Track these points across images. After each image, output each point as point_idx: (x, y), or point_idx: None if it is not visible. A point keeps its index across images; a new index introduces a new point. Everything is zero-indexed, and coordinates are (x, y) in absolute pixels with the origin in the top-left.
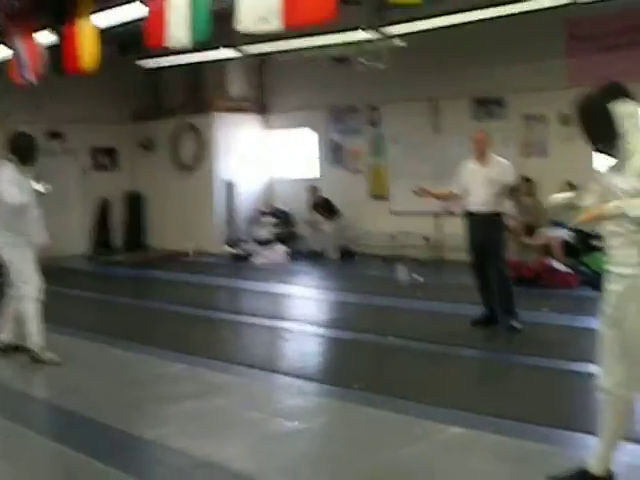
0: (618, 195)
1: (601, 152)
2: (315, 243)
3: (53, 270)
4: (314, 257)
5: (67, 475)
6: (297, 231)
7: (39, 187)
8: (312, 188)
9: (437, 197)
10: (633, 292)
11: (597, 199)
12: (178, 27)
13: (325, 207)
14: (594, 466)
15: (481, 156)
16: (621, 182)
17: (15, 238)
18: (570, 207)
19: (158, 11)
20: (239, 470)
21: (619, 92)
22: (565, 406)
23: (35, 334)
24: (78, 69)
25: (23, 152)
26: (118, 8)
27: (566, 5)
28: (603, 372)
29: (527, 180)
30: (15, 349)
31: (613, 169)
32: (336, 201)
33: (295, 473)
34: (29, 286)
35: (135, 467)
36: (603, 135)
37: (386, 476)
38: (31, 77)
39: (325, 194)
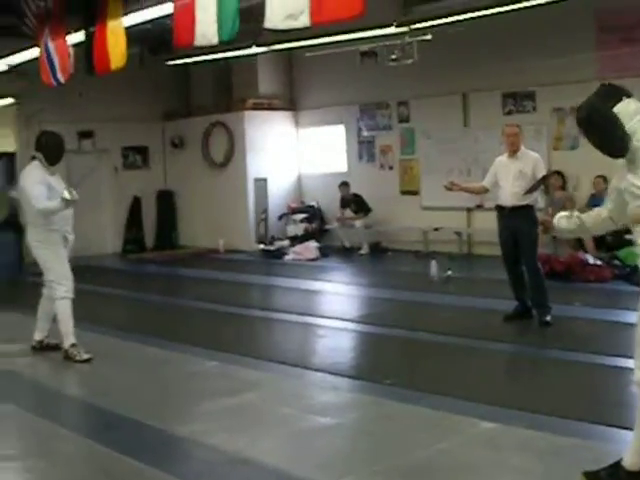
0: (637, 194)
1: (617, 157)
2: (346, 239)
3: (85, 268)
4: (345, 253)
5: (102, 473)
6: (328, 227)
7: (66, 194)
8: (343, 184)
9: (468, 191)
10: None
11: (615, 204)
12: (206, 26)
13: (356, 203)
14: (629, 461)
15: (513, 150)
16: (638, 181)
17: (46, 235)
18: (579, 229)
19: (186, 10)
20: (273, 465)
21: (617, 93)
22: (598, 400)
23: (69, 334)
24: (108, 69)
25: (51, 151)
26: (149, 9)
27: None
28: (638, 366)
29: (558, 173)
30: (50, 348)
31: (626, 169)
32: (367, 197)
33: (329, 469)
34: (62, 286)
35: (169, 464)
36: (615, 140)
37: (419, 471)
38: (62, 78)
39: (354, 190)
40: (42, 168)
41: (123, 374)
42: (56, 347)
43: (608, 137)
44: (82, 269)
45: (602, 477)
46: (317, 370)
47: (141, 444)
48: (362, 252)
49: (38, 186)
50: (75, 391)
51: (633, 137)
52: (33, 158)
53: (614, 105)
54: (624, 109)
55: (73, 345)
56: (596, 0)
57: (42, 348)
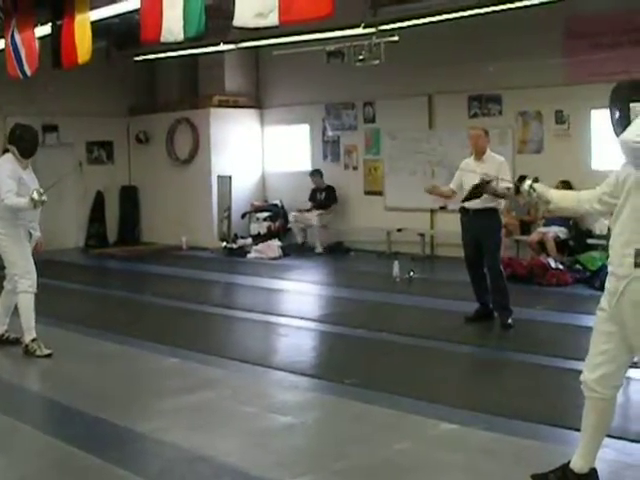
0: None
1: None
2: (299, 235)
3: (47, 263)
4: (307, 253)
5: (59, 468)
6: (291, 226)
7: (35, 194)
8: (316, 172)
9: (443, 195)
10: (630, 293)
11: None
12: (173, 22)
13: (327, 192)
14: (577, 464)
15: (477, 153)
16: None
17: (12, 228)
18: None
19: (153, 6)
20: (232, 464)
21: None
22: (558, 403)
23: (30, 328)
24: (75, 63)
25: (25, 144)
26: (117, 4)
27: None
28: (588, 368)
29: (524, 178)
30: (9, 342)
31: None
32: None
33: (288, 467)
34: (26, 280)
35: (128, 460)
36: (618, 127)
37: (378, 471)
38: (28, 70)
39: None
40: (15, 161)
41: (83, 370)
42: (16, 341)
43: (612, 116)
44: (44, 263)
45: (553, 478)
46: (278, 369)
47: (100, 440)
48: (317, 251)
49: (9, 180)
50: (34, 385)
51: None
52: (6, 151)
53: (633, 97)
54: (638, 107)
55: (34, 340)
56: (565, 6)
57: (1, 342)
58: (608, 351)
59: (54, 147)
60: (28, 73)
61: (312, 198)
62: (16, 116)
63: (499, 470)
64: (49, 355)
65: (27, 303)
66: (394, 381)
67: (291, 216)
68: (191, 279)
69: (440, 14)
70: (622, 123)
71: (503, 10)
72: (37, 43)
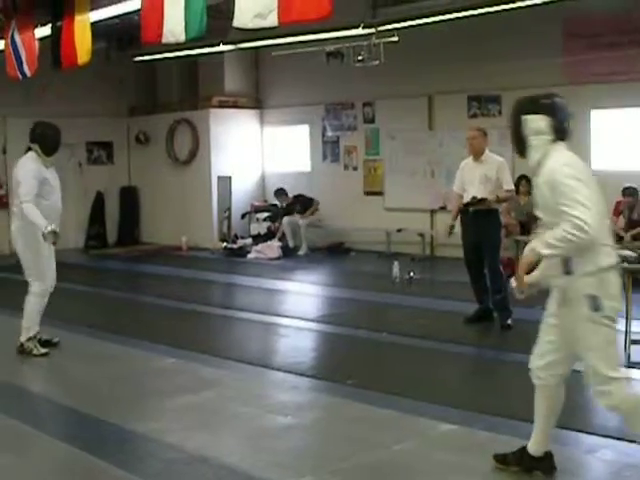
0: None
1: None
2: (290, 238)
3: None
4: (292, 253)
5: (60, 468)
6: (283, 229)
7: (50, 227)
8: (280, 191)
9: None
10: (563, 298)
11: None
12: (174, 23)
13: (301, 203)
14: (532, 448)
15: (475, 154)
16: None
17: (30, 232)
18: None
19: (154, 7)
20: (232, 464)
21: (540, 106)
22: None
23: (30, 328)
24: (74, 63)
25: (47, 142)
26: (117, 5)
27: (562, 0)
28: (535, 356)
29: (525, 178)
30: (39, 343)
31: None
32: (330, 197)
33: (287, 468)
34: (39, 283)
35: (127, 461)
36: (516, 141)
37: (377, 472)
38: (28, 71)
39: (319, 190)
40: (38, 160)
41: (83, 370)
42: (48, 343)
43: (511, 131)
44: None
45: (509, 460)
46: (278, 369)
47: (99, 441)
48: (300, 252)
49: (33, 181)
50: (35, 387)
51: (532, 151)
52: (28, 149)
53: (528, 113)
54: (533, 122)
55: (29, 339)
56: (564, 6)
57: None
58: (554, 342)
59: None
60: (28, 74)
61: (288, 212)
62: (16, 117)
63: (498, 471)
64: (46, 354)
65: (33, 305)
66: (394, 382)
67: (284, 220)
68: (191, 279)
69: (439, 14)
70: (516, 136)
71: (503, 10)
72: (37, 44)
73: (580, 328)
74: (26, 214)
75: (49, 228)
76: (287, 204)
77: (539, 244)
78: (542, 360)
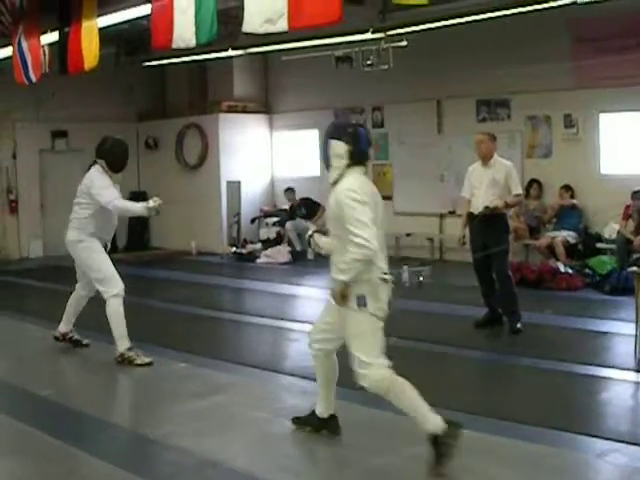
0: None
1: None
2: (296, 242)
3: (56, 269)
4: (299, 257)
5: (71, 473)
6: (288, 234)
7: (151, 203)
8: (289, 190)
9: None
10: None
11: None
12: (184, 28)
13: (306, 206)
14: (318, 409)
15: (484, 158)
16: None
17: (92, 240)
18: None
19: (164, 12)
20: (242, 469)
21: (344, 134)
22: (567, 408)
23: (123, 337)
24: (81, 69)
25: (116, 158)
26: (127, 10)
27: (570, 4)
28: (313, 330)
29: (535, 182)
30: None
31: None
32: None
33: (298, 473)
34: (113, 284)
35: (138, 466)
36: (323, 158)
37: (389, 477)
38: (34, 76)
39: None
40: (104, 174)
41: (93, 375)
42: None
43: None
44: (53, 269)
45: (302, 421)
46: (288, 374)
47: (111, 445)
48: (310, 257)
49: (112, 189)
50: (44, 390)
51: (333, 171)
52: (94, 163)
53: (335, 138)
54: (335, 147)
55: (130, 348)
56: (572, 10)
57: (64, 340)
58: (331, 323)
59: (64, 153)
60: (33, 79)
61: (292, 217)
62: (25, 122)
63: (509, 475)
64: (150, 364)
65: (116, 307)
66: None
67: (288, 224)
68: (201, 284)
69: (448, 19)
70: (324, 154)
71: (512, 14)
72: (43, 50)
73: (348, 318)
74: (122, 210)
75: (150, 202)
76: (291, 206)
77: (337, 273)
78: (319, 335)
